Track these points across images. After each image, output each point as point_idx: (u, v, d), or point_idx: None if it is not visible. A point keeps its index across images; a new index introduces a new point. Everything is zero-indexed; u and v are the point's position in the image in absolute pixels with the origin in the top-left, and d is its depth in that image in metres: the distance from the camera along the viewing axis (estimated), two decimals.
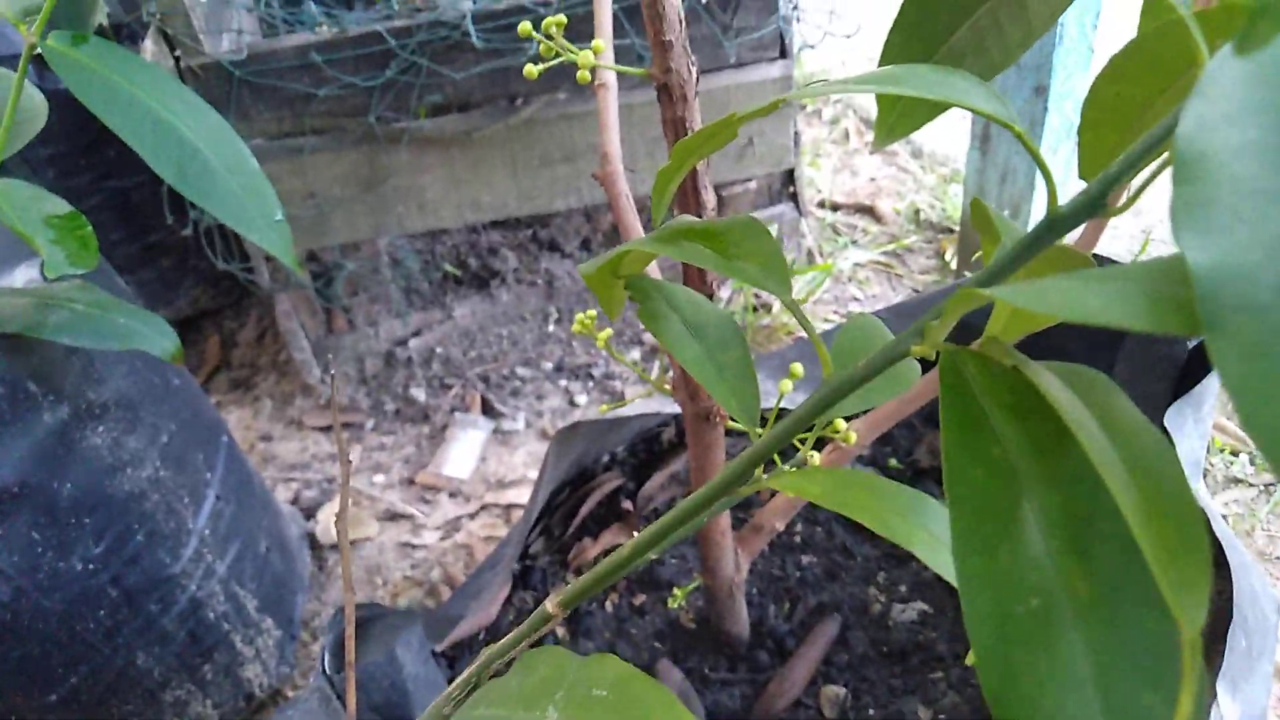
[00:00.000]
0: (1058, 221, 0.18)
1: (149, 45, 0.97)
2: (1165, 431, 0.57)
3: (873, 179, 1.68)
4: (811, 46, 1.12)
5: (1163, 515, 0.13)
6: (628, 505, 0.75)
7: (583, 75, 0.35)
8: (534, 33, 0.37)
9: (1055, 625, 0.14)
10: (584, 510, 0.73)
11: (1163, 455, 0.14)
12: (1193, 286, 0.13)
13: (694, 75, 0.38)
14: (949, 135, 1.71)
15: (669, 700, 0.17)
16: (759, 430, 0.23)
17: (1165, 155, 0.19)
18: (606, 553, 0.71)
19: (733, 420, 0.32)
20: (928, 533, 0.18)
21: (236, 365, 1.54)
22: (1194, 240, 0.13)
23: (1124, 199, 0.20)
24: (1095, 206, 0.18)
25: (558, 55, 0.37)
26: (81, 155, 1.28)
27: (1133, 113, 0.26)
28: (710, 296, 0.49)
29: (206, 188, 0.64)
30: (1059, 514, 0.15)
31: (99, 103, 0.62)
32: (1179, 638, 0.14)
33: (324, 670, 0.49)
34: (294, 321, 1.26)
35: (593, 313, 0.48)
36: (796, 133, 1.20)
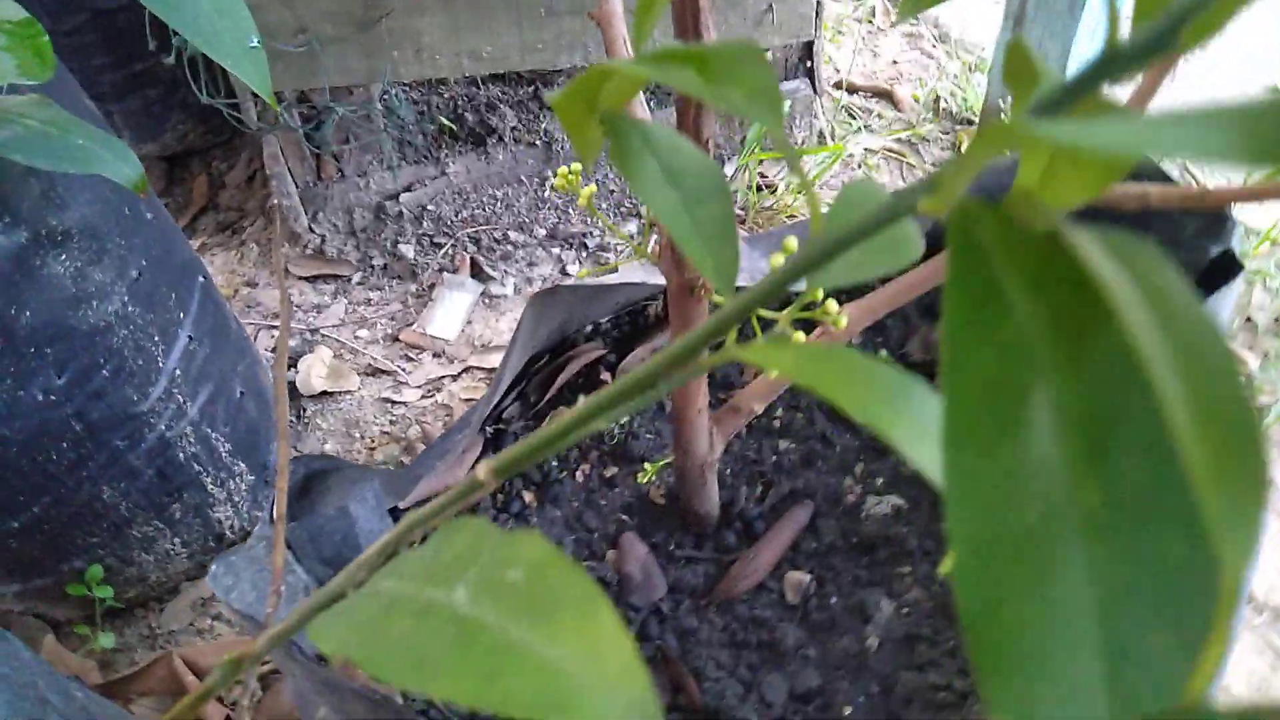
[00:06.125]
0: (1118, 58, 0.15)
1: None
2: None
3: (894, 62, 1.60)
4: None
5: (1215, 421, 0.10)
6: (606, 377, 0.72)
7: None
8: None
9: (1056, 542, 0.12)
10: (561, 378, 0.71)
11: (1218, 351, 0.11)
12: None
13: None
14: (978, 20, 1.62)
15: (584, 594, 0.14)
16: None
17: None
18: None
19: (718, 294, 0.29)
20: (912, 421, 0.16)
21: (224, 208, 1.50)
22: None
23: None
24: (1165, 42, 0.14)
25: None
26: None
27: None
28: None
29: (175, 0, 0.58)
30: (1076, 410, 0.12)
31: None
32: (1209, 571, 0.11)
33: (270, 519, 0.48)
34: (281, 165, 1.21)
35: (577, 166, 0.45)
36: (819, 2, 1.13)
